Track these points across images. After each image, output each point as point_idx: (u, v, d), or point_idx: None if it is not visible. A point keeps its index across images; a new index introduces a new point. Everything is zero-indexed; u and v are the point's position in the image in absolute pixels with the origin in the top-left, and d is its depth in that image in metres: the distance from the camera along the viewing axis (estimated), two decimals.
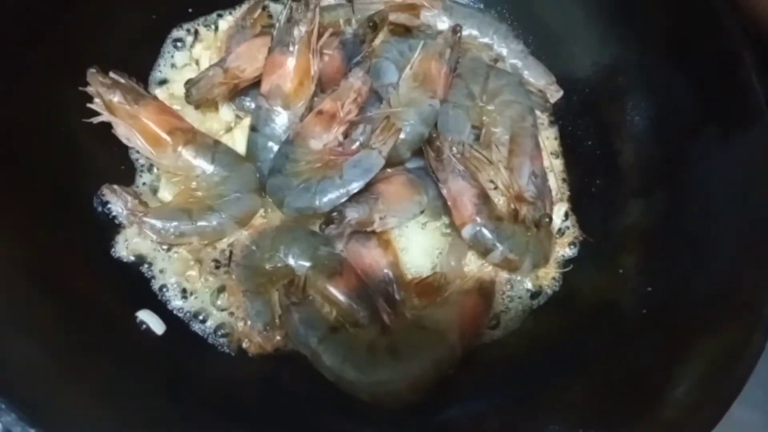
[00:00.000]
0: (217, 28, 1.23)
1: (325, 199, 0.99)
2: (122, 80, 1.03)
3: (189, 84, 1.08)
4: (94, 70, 1.01)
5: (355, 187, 0.99)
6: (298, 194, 1.00)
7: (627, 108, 1.15)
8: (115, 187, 1.02)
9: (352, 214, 0.98)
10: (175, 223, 1.01)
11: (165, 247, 1.04)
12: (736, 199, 0.95)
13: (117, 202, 1.01)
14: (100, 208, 1.02)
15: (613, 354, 0.94)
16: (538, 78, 1.24)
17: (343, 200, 0.99)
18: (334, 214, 0.98)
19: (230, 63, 1.07)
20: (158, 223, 1.01)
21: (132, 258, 1.02)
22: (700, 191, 1.00)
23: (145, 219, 1.01)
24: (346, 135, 1.05)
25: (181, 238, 1.02)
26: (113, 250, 1.02)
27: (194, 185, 1.05)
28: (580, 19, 1.20)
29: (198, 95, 1.08)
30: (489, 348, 1.05)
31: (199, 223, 1.02)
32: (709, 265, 0.93)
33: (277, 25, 1.06)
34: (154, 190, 1.10)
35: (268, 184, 1.03)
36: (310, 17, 1.04)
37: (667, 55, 1.07)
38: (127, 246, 1.02)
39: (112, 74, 1.02)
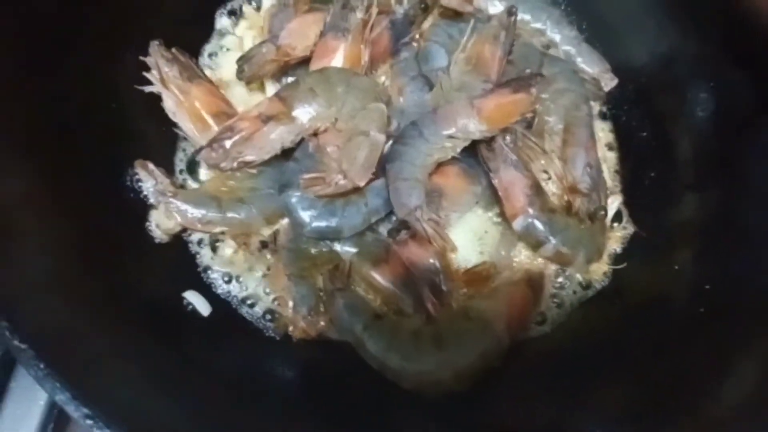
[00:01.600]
0: (260, 7, 1.21)
1: (349, 225, 0.99)
2: (182, 57, 1.04)
3: (242, 60, 1.07)
4: (157, 42, 1.03)
5: (379, 215, 1.01)
6: (322, 215, 0.98)
7: (684, 99, 1.10)
8: (148, 164, 1.01)
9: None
10: (203, 211, 1.00)
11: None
12: None
13: (148, 180, 1.00)
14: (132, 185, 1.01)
15: (664, 351, 0.92)
16: (592, 65, 1.19)
17: (364, 228, 1.00)
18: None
19: (282, 40, 1.05)
20: (186, 207, 0.99)
21: (167, 238, 1.01)
22: (757, 187, 0.96)
23: (173, 200, 0.99)
24: None
25: (207, 226, 1.01)
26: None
27: (229, 173, 1.03)
28: (636, 5, 1.15)
29: (250, 72, 1.07)
30: (536, 341, 1.03)
31: (228, 214, 1.00)
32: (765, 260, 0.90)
33: (332, 9, 1.05)
34: (193, 173, 1.10)
35: (285, 198, 0.99)
36: (367, 5, 1.03)
37: (726, 46, 1.03)
38: (158, 226, 1.00)
39: (174, 50, 1.04)
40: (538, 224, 1.01)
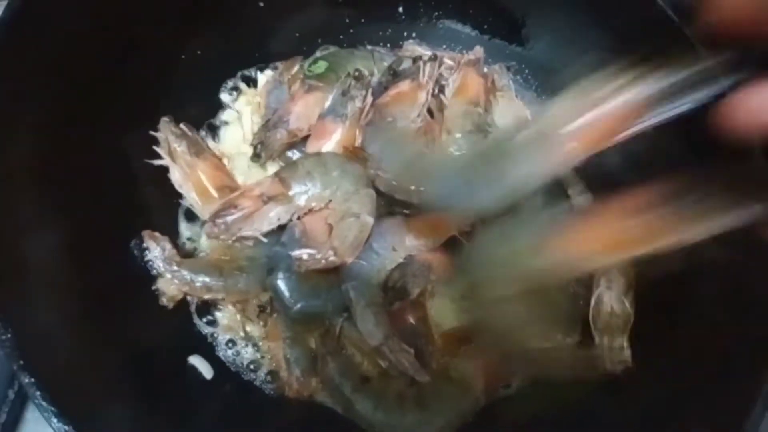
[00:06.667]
0: (255, 83, 1.30)
1: (334, 306, 1.08)
2: (189, 133, 1.13)
3: (259, 148, 1.16)
4: (167, 119, 1.11)
5: None
6: (307, 298, 1.06)
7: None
8: (156, 234, 1.07)
9: (415, 290, 1.07)
10: (206, 278, 1.06)
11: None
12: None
13: (155, 249, 1.06)
14: (137, 254, 1.07)
15: (625, 411, 1.00)
16: None
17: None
18: (399, 292, 1.07)
19: (292, 125, 1.15)
20: (190, 276, 1.05)
21: (172, 305, 1.07)
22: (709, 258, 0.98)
23: (177, 269, 1.05)
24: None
25: (209, 293, 1.07)
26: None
27: (229, 243, 1.09)
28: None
29: (267, 157, 1.16)
30: (505, 401, 1.11)
31: (228, 281, 1.07)
32: (709, 330, 0.98)
33: (333, 95, 1.16)
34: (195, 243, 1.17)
35: (272, 281, 1.05)
36: (364, 95, 1.14)
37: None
38: (163, 294, 1.05)
39: (182, 125, 1.12)
40: None
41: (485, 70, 1.28)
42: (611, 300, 1.09)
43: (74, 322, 0.91)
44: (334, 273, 1.08)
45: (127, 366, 0.95)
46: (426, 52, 1.31)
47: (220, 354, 1.09)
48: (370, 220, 1.07)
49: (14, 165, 0.90)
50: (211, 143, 1.22)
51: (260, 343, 1.10)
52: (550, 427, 1.05)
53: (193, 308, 1.11)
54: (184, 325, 1.10)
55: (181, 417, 0.97)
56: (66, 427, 0.75)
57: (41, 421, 0.76)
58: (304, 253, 1.05)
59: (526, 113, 1.27)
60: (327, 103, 1.17)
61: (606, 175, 1.24)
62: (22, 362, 0.77)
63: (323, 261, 1.05)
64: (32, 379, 0.76)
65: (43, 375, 0.78)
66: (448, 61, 1.25)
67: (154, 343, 1.03)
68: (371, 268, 1.08)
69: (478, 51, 1.27)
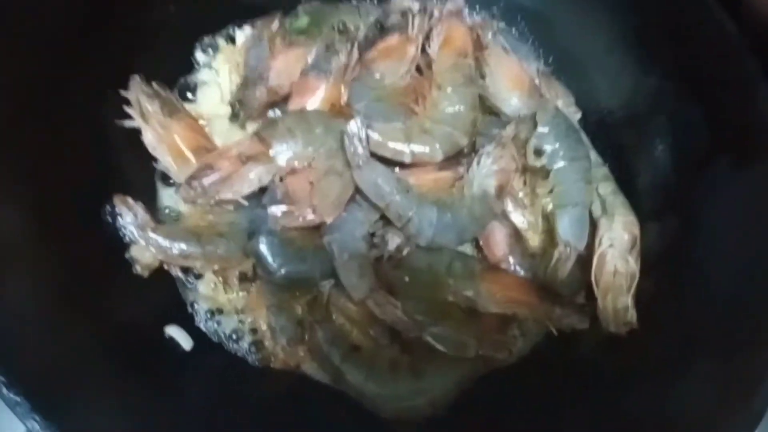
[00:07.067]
0: (233, 41, 1.23)
1: (321, 271, 1.02)
2: (162, 92, 1.06)
3: (238, 106, 1.10)
4: (137, 77, 1.04)
5: None
6: (292, 261, 1.00)
7: (644, 132, 1.15)
8: (128, 198, 1.01)
9: (395, 241, 1.01)
10: (182, 245, 0.99)
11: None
12: (744, 230, 0.96)
13: (127, 215, 1.00)
14: (110, 220, 1.00)
15: (626, 377, 0.97)
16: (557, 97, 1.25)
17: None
18: (376, 239, 1.01)
19: (272, 81, 1.09)
20: (165, 242, 0.99)
21: (147, 273, 1.01)
22: (710, 219, 1.01)
23: (152, 235, 0.99)
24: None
25: (187, 260, 1.01)
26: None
27: (208, 208, 1.04)
28: (599, 43, 1.20)
29: (246, 117, 1.10)
30: (505, 369, 1.07)
31: (207, 248, 1.00)
32: (715, 294, 0.95)
33: (315, 50, 1.09)
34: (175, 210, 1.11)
35: (254, 245, 0.99)
36: (349, 50, 1.07)
37: (683, 84, 1.08)
38: (138, 261, 0.99)
39: (154, 84, 1.05)
40: (520, 271, 1.06)
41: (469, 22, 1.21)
42: (614, 259, 1.04)
43: (43, 291, 0.86)
44: (320, 235, 1.02)
45: (100, 338, 0.90)
46: (415, 4, 1.23)
47: (201, 324, 1.04)
48: None
49: None
50: (187, 105, 1.15)
51: (243, 312, 1.05)
52: (549, 394, 1.02)
53: (172, 276, 1.06)
54: (161, 296, 1.04)
55: (159, 392, 0.92)
56: (17, 398, 0.70)
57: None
58: (279, 210, 0.98)
59: (524, 75, 1.19)
60: (310, 59, 1.11)
61: (608, 128, 1.20)
62: None
63: (300, 219, 0.98)
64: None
65: (14, 367, 0.73)
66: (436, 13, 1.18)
67: (129, 314, 0.97)
68: (354, 220, 1.02)
69: (459, 1, 1.20)
